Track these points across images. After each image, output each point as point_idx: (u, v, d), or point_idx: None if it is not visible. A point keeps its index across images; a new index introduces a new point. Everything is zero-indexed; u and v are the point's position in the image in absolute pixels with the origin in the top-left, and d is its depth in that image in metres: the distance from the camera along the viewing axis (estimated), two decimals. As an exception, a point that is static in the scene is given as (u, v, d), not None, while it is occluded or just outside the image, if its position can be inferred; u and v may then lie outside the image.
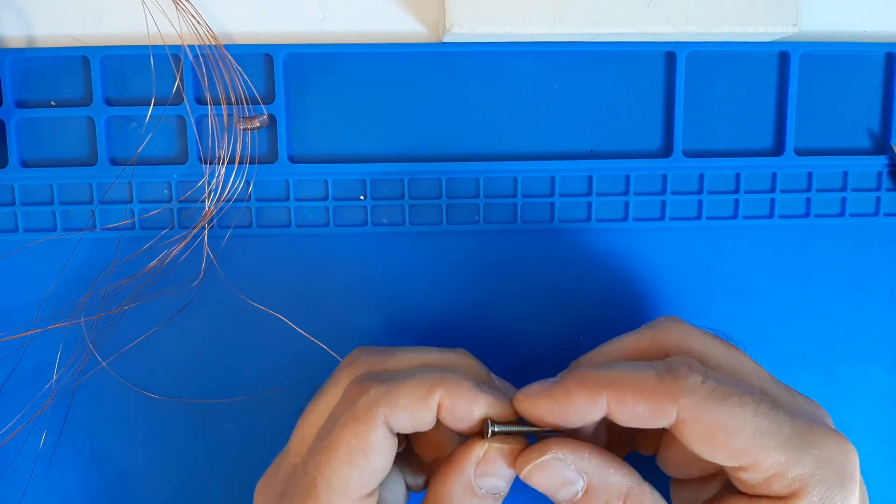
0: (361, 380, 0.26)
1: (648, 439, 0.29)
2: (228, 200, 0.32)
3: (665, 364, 0.25)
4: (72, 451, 0.32)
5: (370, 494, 0.25)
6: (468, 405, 0.25)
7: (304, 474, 0.25)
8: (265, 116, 0.30)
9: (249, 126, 0.29)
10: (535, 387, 0.25)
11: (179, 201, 0.32)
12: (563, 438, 0.25)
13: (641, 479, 0.25)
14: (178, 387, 0.32)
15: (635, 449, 0.30)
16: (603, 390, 0.24)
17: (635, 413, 0.24)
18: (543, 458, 0.24)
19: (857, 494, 0.24)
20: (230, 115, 0.29)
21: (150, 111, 0.31)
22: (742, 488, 0.25)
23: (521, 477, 0.24)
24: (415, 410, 0.24)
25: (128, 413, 0.32)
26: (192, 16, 0.30)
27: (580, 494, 0.24)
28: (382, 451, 0.24)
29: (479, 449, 0.25)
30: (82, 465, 0.32)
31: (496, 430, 0.25)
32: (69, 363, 0.32)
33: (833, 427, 0.26)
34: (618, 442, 0.29)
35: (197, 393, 0.32)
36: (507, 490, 0.25)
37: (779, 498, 0.24)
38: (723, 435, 0.23)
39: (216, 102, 0.31)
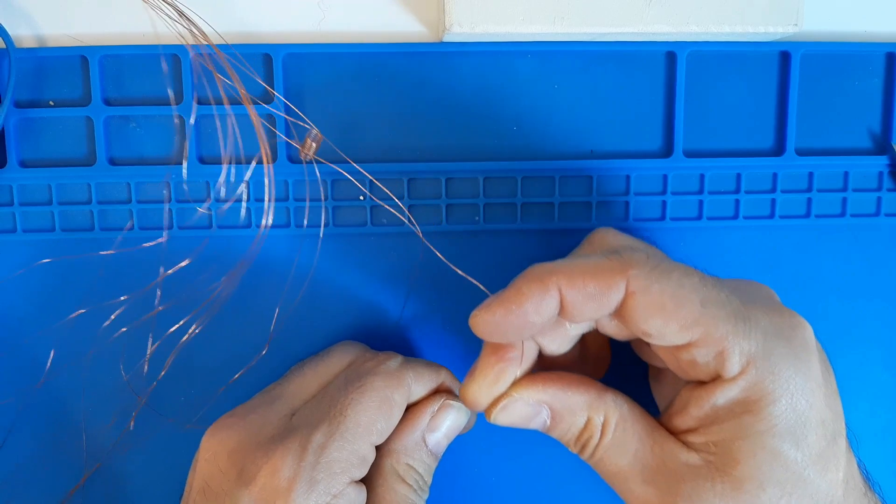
0: (379, 353, 0.30)
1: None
2: (228, 201, 0.32)
3: (609, 249, 0.26)
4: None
5: (365, 461, 0.27)
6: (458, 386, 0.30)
7: (328, 406, 0.27)
8: (314, 132, 0.30)
9: (310, 150, 0.30)
10: (486, 300, 0.26)
11: (178, 202, 0.32)
12: (519, 380, 0.27)
13: (602, 390, 0.26)
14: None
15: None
16: (552, 276, 0.24)
17: (587, 293, 0.24)
18: (502, 402, 0.27)
19: (814, 365, 0.24)
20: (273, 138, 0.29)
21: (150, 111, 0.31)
22: (697, 375, 0.25)
23: (492, 422, 0.27)
24: (427, 382, 0.29)
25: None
26: (192, 15, 0.30)
27: (548, 421, 0.26)
28: (399, 409, 0.28)
29: (435, 404, 0.29)
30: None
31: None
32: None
33: (781, 304, 0.26)
34: (593, 361, 0.30)
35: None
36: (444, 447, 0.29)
37: (732, 379, 0.24)
38: (672, 304, 0.24)
39: (216, 102, 0.31)
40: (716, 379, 0.24)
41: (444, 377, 0.30)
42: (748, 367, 0.24)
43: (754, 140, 0.33)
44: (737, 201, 0.33)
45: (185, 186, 0.31)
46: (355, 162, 0.32)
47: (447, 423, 0.29)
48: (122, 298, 0.31)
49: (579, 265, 0.25)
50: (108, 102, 0.31)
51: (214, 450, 0.27)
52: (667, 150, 0.33)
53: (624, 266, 0.24)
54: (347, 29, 0.32)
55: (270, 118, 0.31)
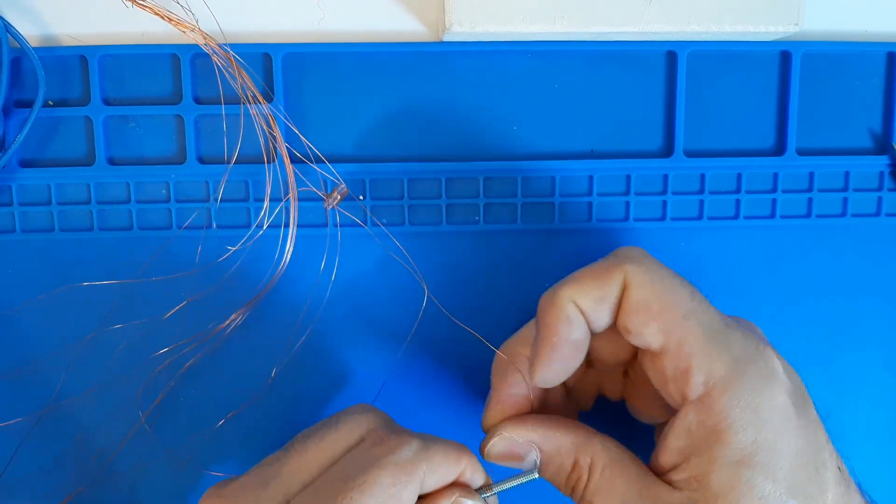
0: (391, 430, 0.26)
1: (613, 381, 0.30)
2: (226, 201, 0.32)
3: (612, 254, 0.27)
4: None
5: None
6: (481, 474, 0.27)
7: (326, 501, 0.24)
8: (342, 186, 0.31)
9: (335, 201, 0.30)
10: (533, 359, 0.27)
11: (178, 202, 0.31)
12: (509, 418, 0.28)
13: (591, 434, 0.27)
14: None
15: (603, 394, 0.31)
16: (561, 293, 0.26)
17: (593, 295, 0.26)
18: (493, 439, 0.27)
19: (778, 395, 0.24)
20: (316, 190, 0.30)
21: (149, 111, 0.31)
22: (669, 395, 0.26)
23: (485, 458, 0.27)
24: (444, 474, 0.26)
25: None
26: (190, 14, 0.30)
27: (539, 461, 0.27)
28: None
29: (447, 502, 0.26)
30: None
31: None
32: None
33: (766, 341, 0.27)
34: (581, 393, 0.31)
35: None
36: None
37: (698, 401, 0.24)
38: (658, 306, 0.25)
39: (216, 102, 0.31)
40: (684, 402, 0.25)
41: (464, 466, 0.26)
42: (712, 390, 0.24)
43: (755, 140, 0.33)
44: (737, 201, 0.33)
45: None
46: (355, 162, 0.32)
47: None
48: (141, 321, 0.31)
49: (580, 272, 0.27)
50: (107, 102, 0.31)
51: None
52: (667, 150, 0.33)
53: (620, 261, 0.26)
54: (347, 29, 0.32)
55: (271, 118, 0.31)
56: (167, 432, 0.32)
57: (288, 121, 0.31)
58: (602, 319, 0.26)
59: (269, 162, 0.31)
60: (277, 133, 0.31)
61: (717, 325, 0.25)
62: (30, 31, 0.31)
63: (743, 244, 0.33)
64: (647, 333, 0.25)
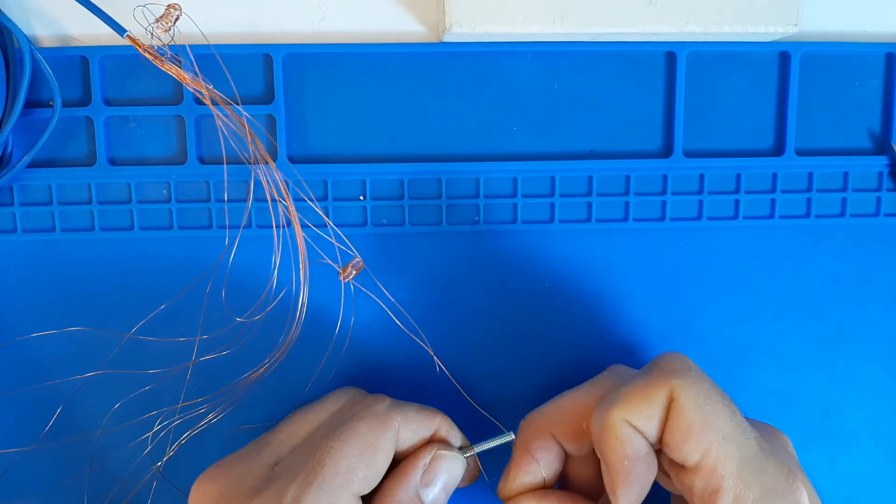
0: (368, 395, 0.28)
1: None
2: (228, 201, 0.32)
3: (656, 367, 0.27)
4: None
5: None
6: (457, 433, 0.29)
7: (308, 455, 0.26)
8: (357, 259, 0.31)
9: (349, 276, 0.30)
10: (619, 497, 0.26)
11: (178, 202, 0.32)
12: (533, 492, 0.28)
13: None
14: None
15: None
16: (612, 413, 0.26)
17: (642, 414, 0.26)
18: None
19: None
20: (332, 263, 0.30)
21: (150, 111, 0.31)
22: (684, 494, 0.26)
23: None
24: (418, 428, 0.28)
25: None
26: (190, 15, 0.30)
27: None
28: (385, 455, 0.26)
29: (426, 456, 0.28)
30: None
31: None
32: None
33: (794, 453, 0.28)
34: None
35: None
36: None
37: None
38: (700, 426, 0.25)
39: (216, 102, 0.31)
40: None
41: (438, 423, 0.28)
42: None
43: (754, 140, 0.33)
44: (737, 201, 0.33)
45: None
46: (355, 162, 0.32)
47: (442, 476, 0.28)
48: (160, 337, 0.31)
49: (627, 390, 0.26)
50: (108, 103, 0.31)
51: (199, 501, 0.26)
52: (667, 150, 0.33)
53: (666, 377, 0.26)
54: (347, 29, 0.32)
55: (271, 119, 0.31)
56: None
57: (301, 180, 0.31)
58: (654, 435, 0.26)
59: (270, 162, 0.31)
60: (290, 204, 0.31)
61: (753, 450, 0.25)
62: (30, 32, 0.31)
63: (742, 244, 0.33)
64: (685, 451, 0.25)
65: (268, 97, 0.31)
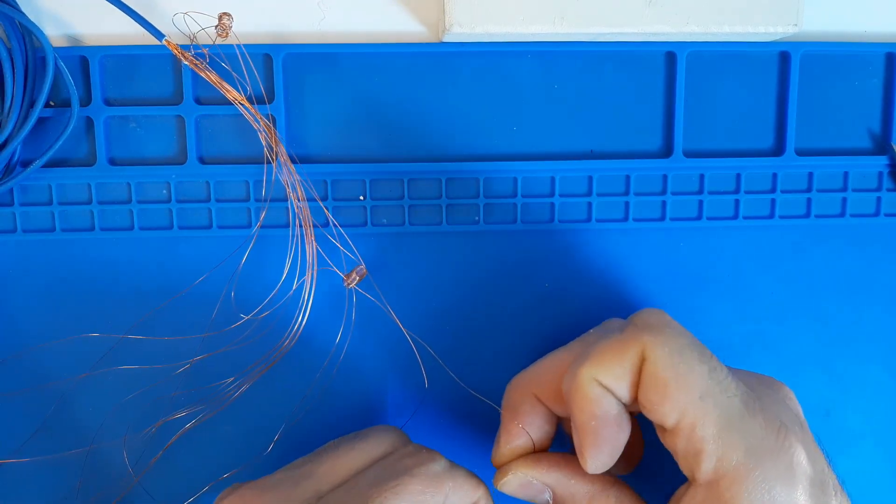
0: (419, 447, 0.28)
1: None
2: (228, 201, 0.32)
3: (631, 323, 0.27)
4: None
5: None
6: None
7: (358, 500, 0.25)
8: (361, 266, 0.31)
9: (353, 283, 0.31)
10: (592, 456, 0.26)
11: (178, 202, 0.32)
12: (525, 456, 0.28)
13: (608, 484, 0.26)
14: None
15: None
16: (583, 372, 0.25)
17: (614, 373, 0.25)
18: (507, 477, 0.28)
19: (797, 492, 0.23)
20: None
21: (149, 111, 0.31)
22: (682, 466, 0.25)
23: (498, 489, 0.28)
24: (464, 496, 0.27)
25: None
26: (189, 16, 0.30)
27: (550, 501, 0.27)
28: None
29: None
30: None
31: None
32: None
33: (797, 406, 0.26)
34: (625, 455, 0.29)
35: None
36: None
37: (706, 485, 0.24)
38: (674, 386, 0.24)
39: (216, 102, 0.31)
40: (694, 481, 0.24)
41: (481, 495, 0.27)
42: (722, 479, 0.23)
43: (754, 140, 0.33)
44: (736, 201, 0.33)
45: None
46: (355, 162, 0.32)
47: None
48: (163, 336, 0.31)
49: (599, 347, 0.26)
50: (108, 103, 0.31)
51: None
52: (667, 150, 0.33)
53: (639, 333, 0.25)
54: (347, 29, 0.32)
55: (271, 119, 0.31)
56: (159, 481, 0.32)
57: (311, 188, 0.31)
58: (626, 394, 0.25)
59: (270, 162, 0.31)
60: (305, 206, 0.31)
61: (736, 408, 0.24)
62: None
63: (742, 244, 0.33)
64: (661, 411, 0.24)
65: (268, 97, 0.31)
